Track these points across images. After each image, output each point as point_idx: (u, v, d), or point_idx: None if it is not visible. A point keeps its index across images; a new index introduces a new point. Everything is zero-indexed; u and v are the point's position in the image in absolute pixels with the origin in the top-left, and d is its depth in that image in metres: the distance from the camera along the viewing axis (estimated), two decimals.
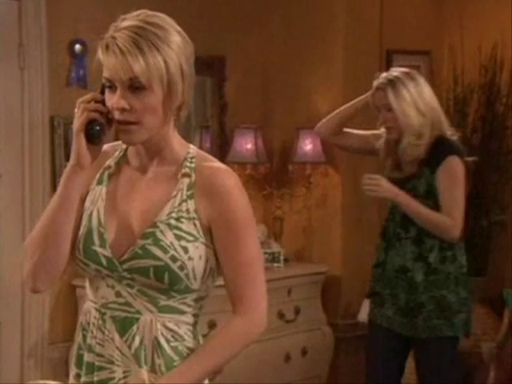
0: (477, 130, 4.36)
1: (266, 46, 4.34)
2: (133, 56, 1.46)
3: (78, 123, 1.51)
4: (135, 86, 1.47)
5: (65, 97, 3.54)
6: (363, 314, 4.18)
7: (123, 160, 1.60)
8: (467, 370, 4.19)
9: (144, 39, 1.47)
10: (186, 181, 1.55)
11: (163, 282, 1.50)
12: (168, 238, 1.51)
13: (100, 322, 1.55)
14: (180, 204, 1.53)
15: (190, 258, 1.51)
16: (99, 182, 1.59)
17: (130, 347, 1.53)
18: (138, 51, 1.46)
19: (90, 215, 1.56)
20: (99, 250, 1.54)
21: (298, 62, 4.35)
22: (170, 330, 1.54)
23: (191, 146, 1.60)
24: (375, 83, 2.87)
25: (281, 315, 3.96)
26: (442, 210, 2.76)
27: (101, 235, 1.54)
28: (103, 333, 1.54)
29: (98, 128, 1.50)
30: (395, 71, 2.86)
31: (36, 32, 3.52)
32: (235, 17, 4.24)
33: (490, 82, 4.32)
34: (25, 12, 3.51)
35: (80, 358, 1.58)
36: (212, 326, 3.65)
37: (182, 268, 1.50)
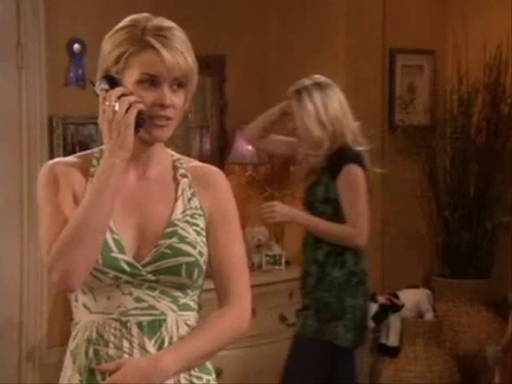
0: (481, 130, 4.36)
1: (267, 45, 4.34)
2: (184, 55, 1.55)
3: (127, 116, 1.51)
4: (178, 84, 1.55)
5: (63, 96, 3.54)
6: None
7: None
8: (472, 374, 4.20)
9: (183, 40, 1.57)
10: (186, 180, 1.62)
11: (192, 278, 1.56)
12: (191, 234, 1.57)
13: (124, 330, 1.54)
14: (189, 201, 1.60)
15: (207, 253, 1.59)
16: None
17: (159, 349, 1.54)
18: (187, 51, 1.56)
19: None
20: (120, 256, 1.54)
21: (299, 62, 4.35)
22: (190, 327, 1.59)
23: (169, 149, 1.67)
24: (288, 90, 2.99)
25: (282, 319, 3.96)
26: (346, 220, 2.85)
27: (117, 242, 1.55)
28: (130, 341, 1.54)
29: (145, 118, 1.54)
30: (308, 79, 2.97)
31: (34, 31, 3.52)
32: (235, 15, 4.24)
33: (494, 82, 4.32)
34: (23, 11, 3.51)
35: (92, 373, 1.55)
36: None
37: (205, 262, 1.59)
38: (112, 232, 1.55)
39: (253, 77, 4.34)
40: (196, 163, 1.66)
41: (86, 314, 1.58)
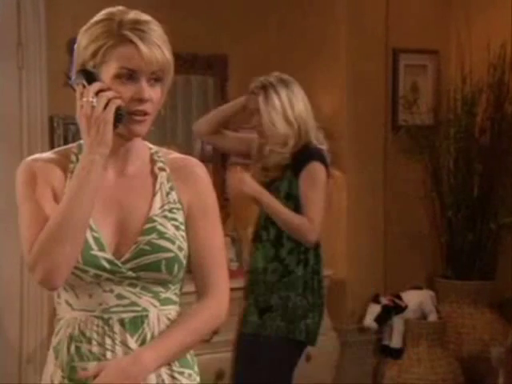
0: (485, 130, 4.36)
1: (269, 45, 4.34)
2: (161, 49, 1.55)
3: (105, 112, 1.51)
4: (156, 78, 1.56)
5: (64, 96, 3.54)
6: (369, 319, 4.18)
7: None
8: (476, 376, 4.19)
9: (160, 34, 1.57)
10: (164, 174, 1.62)
11: (172, 273, 1.57)
12: (170, 229, 1.58)
13: (106, 328, 1.56)
14: (167, 196, 1.61)
15: (186, 247, 1.60)
16: None
17: (142, 346, 1.56)
18: (164, 45, 1.56)
19: None
20: (99, 254, 1.55)
21: (301, 61, 4.35)
22: (171, 321, 1.60)
23: (147, 142, 1.67)
24: (250, 86, 2.98)
25: None
26: (302, 214, 2.84)
27: (97, 240, 1.56)
28: (112, 339, 1.56)
29: (123, 114, 1.54)
30: (272, 76, 2.98)
31: (35, 31, 3.53)
32: (238, 15, 4.24)
33: (498, 82, 4.31)
34: (23, 10, 3.52)
35: (73, 370, 1.57)
36: (215, 330, 3.65)
37: (185, 257, 1.59)
38: (92, 230, 1.56)
39: (255, 77, 4.33)
40: (175, 155, 1.66)
41: (68, 311, 1.59)
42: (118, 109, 1.53)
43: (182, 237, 1.59)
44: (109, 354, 1.55)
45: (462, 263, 4.35)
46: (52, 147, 3.61)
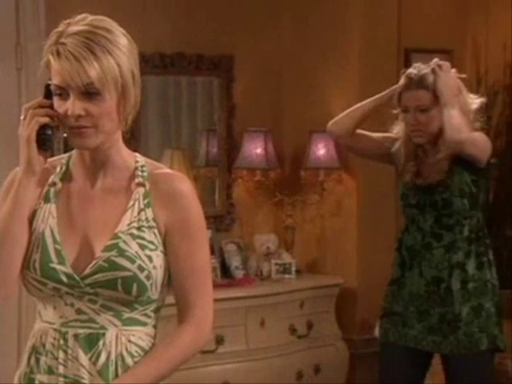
0: (501, 133, 4.35)
1: (277, 45, 4.34)
2: (88, 61, 1.50)
3: (28, 129, 1.55)
4: (90, 92, 1.52)
5: None
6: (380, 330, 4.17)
7: (67, 175, 1.64)
8: None
9: (96, 43, 1.52)
10: (141, 190, 1.60)
11: (131, 293, 1.56)
12: (132, 247, 1.56)
13: (61, 341, 1.58)
14: (139, 213, 1.59)
15: (154, 267, 1.57)
16: (46, 200, 1.62)
17: (95, 364, 1.56)
18: (92, 56, 1.51)
19: (43, 234, 1.59)
20: (58, 267, 1.57)
21: (311, 62, 4.35)
22: (134, 343, 1.59)
23: (137, 154, 1.66)
24: (404, 80, 2.79)
25: (292, 330, 3.96)
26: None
27: (58, 252, 1.57)
28: (66, 352, 1.57)
29: (50, 132, 1.55)
30: (426, 66, 2.78)
31: (34, 31, 3.54)
32: (244, 13, 4.25)
33: None
34: (23, 10, 3.53)
35: (31, 381, 1.60)
36: (220, 341, 3.65)
37: (148, 277, 1.56)
38: (55, 242, 1.58)
39: (262, 78, 4.34)
40: (161, 170, 1.63)
41: (38, 322, 1.63)
42: (43, 128, 1.54)
43: (147, 256, 1.56)
44: (60, 368, 1.57)
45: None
46: (51, 151, 3.62)
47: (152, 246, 1.58)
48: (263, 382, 3.76)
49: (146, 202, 1.59)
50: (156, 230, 1.58)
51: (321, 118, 4.21)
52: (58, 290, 1.57)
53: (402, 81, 2.82)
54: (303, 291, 4.04)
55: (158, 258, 1.58)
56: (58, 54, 1.52)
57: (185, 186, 1.61)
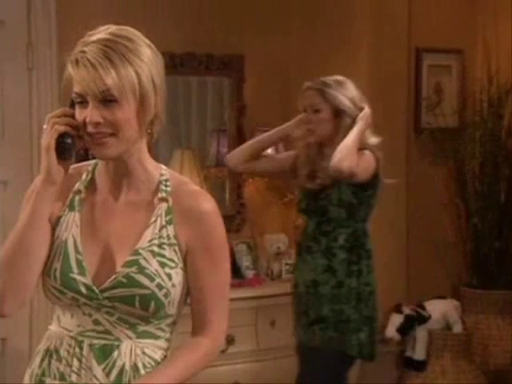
0: None
1: (287, 45, 4.35)
2: (104, 69, 1.51)
3: (48, 138, 1.55)
4: (108, 99, 1.53)
5: None
6: (391, 330, 4.17)
7: (92, 184, 1.64)
8: None
9: (114, 51, 1.53)
10: (164, 206, 1.60)
11: (148, 310, 1.57)
12: (153, 265, 1.57)
13: (77, 349, 1.59)
14: (160, 230, 1.59)
15: (173, 285, 1.58)
16: (71, 208, 1.62)
17: (108, 375, 1.58)
18: (110, 64, 1.52)
19: (65, 242, 1.59)
20: (78, 277, 1.58)
21: (321, 61, 4.35)
22: (148, 355, 1.60)
23: (163, 166, 1.66)
24: (307, 84, 2.95)
25: None
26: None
27: (79, 263, 1.58)
28: (80, 361, 1.58)
29: (69, 141, 1.56)
30: (326, 78, 2.98)
31: (45, 31, 3.55)
32: (254, 13, 4.25)
33: None
34: (34, 10, 3.55)
35: (42, 383, 1.61)
36: (231, 341, 3.66)
37: (166, 295, 1.57)
38: (77, 252, 1.59)
39: (273, 77, 4.35)
40: (187, 186, 1.63)
41: (56, 326, 1.64)
42: (63, 136, 1.55)
43: (167, 275, 1.57)
44: (73, 377, 1.58)
45: (488, 272, 4.33)
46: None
47: (172, 264, 1.58)
48: (273, 383, 3.76)
49: (168, 218, 1.59)
50: (177, 248, 1.59)
51: None
52: (77, 300, 1.58)
53: (306, 84, 2.97)
54: None
55: (178, 276, 1.58)
56: (77, 62, 1.53)
57: (209, 205, 1.60)
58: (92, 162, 1.67)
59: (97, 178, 1.64)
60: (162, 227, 1.59)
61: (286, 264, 4.09)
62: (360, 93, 2.95)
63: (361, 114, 2.86)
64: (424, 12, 4.35)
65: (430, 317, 4.17)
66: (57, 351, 1.60)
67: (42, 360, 1.62)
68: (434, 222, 4.43)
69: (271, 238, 4.17)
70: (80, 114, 1.55)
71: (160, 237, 1.58)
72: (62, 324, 1.62)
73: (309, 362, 2.90)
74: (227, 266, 1.63)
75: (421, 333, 4.18)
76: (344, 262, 2.86)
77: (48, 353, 1.62)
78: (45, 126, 1.57)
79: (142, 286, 1.55)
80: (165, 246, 1.58)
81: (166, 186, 1.61)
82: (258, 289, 3.90)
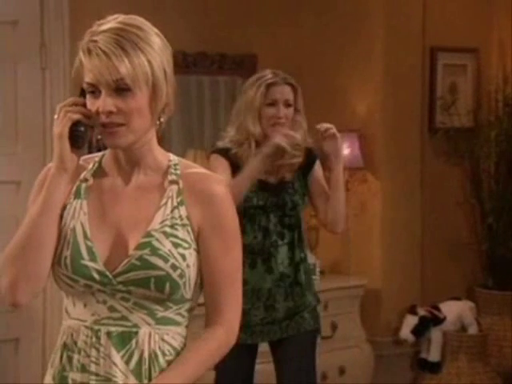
0: None
1: (300, 44, 4.35)
2: (118, 57, 1.52)
3: (60, 126, 1.56)
4: (121, 88, 1.53)
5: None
6: (406, 331, 4.16)
7: (99, 172, 1.65)
8: None
9: (127, 40, 1.54)
10: (175, 188, 1.61)
11: (163, 292, 1.56)
12: (166, 246, 1.56)
13: (94, 339, 1.58)
14: (172, 211, 1.59)
15: (187, 266, 1.58)
16: (77, 196, 1.62)
17: (127, 363, 1.57)
18: (123, 52, 1.52)
19: (74, 230, 1.60)
20: (90, 264, 1.57)
21: (334, 61, 4.35)
22: (167, 343, 1.59)
23: (171, 154, 1.66)
24: (273, 78, 2.95)
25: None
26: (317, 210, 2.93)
27: (89, 249, 1.58)
28: (98, 350, 1.57)
29: (82, 130, 1.57)
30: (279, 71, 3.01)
31: (58, 30, 3.57)
32: (267, 12, 4.25)
33: None
34: (47, 10, 3.56)
35: (64, 379, 1.61)
36: None
37: (181, 276, 1.57)
38: (86, 238, 1.58)
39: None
40: (195, 169, 1.64)
41: (66, 319, 1.63)
42: (76, 125, 1.56)
43: (181, 255, 1.57)
44: (92, 367, 1.58)
45: (503, 273, 4.32)
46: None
47: (185, 244, 1.58)
48: None
49: (179, 199, 1.60)
50: (189, 228, 1.59)
51: (344, 117, 4.22)
52: (90, 287, 1.57)
53: (271, 77, 2.96)
54: (327, 292, 4.03)
55: (191, 257, 1.58)
56: (89, 51, 1.54)
57: (220, 187, 1.61)
58: (99, 153, 1.68)
59: (104, 167, 1.65)
60: (173, 208, 1.59)
61: None
62: None
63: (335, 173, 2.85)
64: (439, 11, 4.34)
65: (444, 318, 4.16)
66: (75, 343, 1.59)
67: (61, 356, 1.61)
68: (448, 222, 4.41)
69: None
70: (92, 103, 1.56)
71: (172, 217, 1.58)
72: (72, 316, 1.61)
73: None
74: (238, 250, 1.63)
75: (435, 334, 4.17)
76: (304, 249, 2.96)
77: (66, 347, 1.61)
78: (56, 116, 1.58)
79: (156, 268, 1.54)
80: (177, 227, 1.58)
81: (175, 169, 1.62)
82: None
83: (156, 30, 1.60)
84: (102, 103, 1.53)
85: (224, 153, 2.87)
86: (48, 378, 1.64)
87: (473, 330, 4.17)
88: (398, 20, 4.25)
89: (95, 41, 1.54)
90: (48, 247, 1.58)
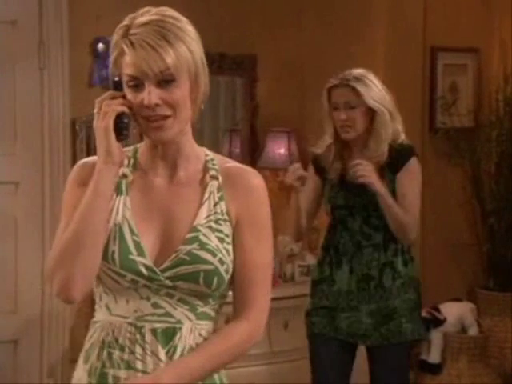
0: None
1: (301, 44, 4.34)
2: (163, 48, 1.53)
3: (106, 119, 1.55)
4: (165, 80, 1.54)
5: (87, 98, 3.56)
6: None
7: (137, 167, 1.65)
8: None
9: (168, 30, 1.55)
10: (215, 183, 1.62)
11: (211, 287, 1.57)
12: (213, 241, 1.58)
13: (138, 336, 1.57)
14: (215, 206, 1.61)
15: (231, 261, 1.60)
16: (119, 192, 1.62)
17: (171, 358, 1.57)
18: (167, 43, 1.53)
19: (120, 225, 1.59)
20: (138, 259, 1.57)
21: (335, 60, 4.34)
22: (202, 337, 1.61)
23: (205, 148, 1.68)
24: (333, 80, 2.95)
25: None
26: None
27: (137, 244, 1.58)
28: (143, 348, 1.57)
29: (126, 121, 1.56)
30: (350, 72, 2.96)
31: (57, 30, 3.56)
32: (267, 12, 4.24)
33: None
34: (45, 9, 3.55)
35: (104, 376, 1.59)
36: None
37: (227, 271, 1.59)
38: (133, 234, 1.58)
39: (286, 77, 4.34)
40: (232, 164, 1.66)
41: (106, 315, 1.62)
42: (119, 117, 1.55)
43: (226, 250, 1.59)
44: (138, 364, 1.57)
45: (504, 274, 4.31)
46: (74, 151, 3.64)
47: (228, 240, 1.59)
48: None
49: (219, 195, 1.61)
50: (229, 224, 1.60)
51: None
52: (136, 282, 1.57)
53: (332, 81, 2.96)
54: None
55: (232, 251, 1.60)
56: (132, 44, 1.53)
57: (257, 180, 1.63)
58: (130, 147, 1.67)
59: (141, 161, 1.64)
60: (215, 203, 1.60)
61: (299, 266, 4.07)
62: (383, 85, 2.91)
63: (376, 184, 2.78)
64: (439, 10, 4.33)
65: (445, 320, 4.15)
66: (116, 340, 1.58)
67: (100, 352, 1.60)
68: (449, 222, 4.41)
69: (284, 240, 4.15)
70: (134, 97, 1.55)
71: (215, 213, 1.60)
72: (114, 312, 1.60)
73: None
74: (270, 245, 1.63)
75: (436, 336, 4.16)
76: (399, 252, 2.88)
77: (106, 344, 1.59)
78: (95, 110, 1.57)
79: (205, 262, 1.56)
80: (221, 222, 1.59)
81: (213, 164, 1.63)
82: (271, 291, 3.88)
83: (186, 20, 1.62)
84: (147, 96, 1.53)
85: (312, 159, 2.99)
86: (81, 374, 1.62)
87: (473, 331, 4.16)
88: (399, 20, 4.24)
89: (136, 34, 1.53)
90: (101, 243, 1.56)
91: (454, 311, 4.17)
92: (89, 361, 1.62)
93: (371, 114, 2.86)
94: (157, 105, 1.53)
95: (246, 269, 1.60)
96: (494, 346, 4.21)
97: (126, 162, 1.64)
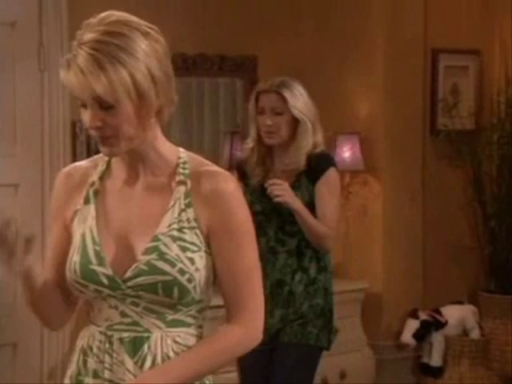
0: None
1: (301, 46, 4.33)
2: (94, 75, 1.48)
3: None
4: (103, 106, 1.51)
5: None
6: (407, 335, 4.14)
7: (107, 174, 1.63)
8: None
9: (105, 55, 1.49)
10: (182, 189, 1.57)
11: (172, 296, 1.54)
12: (173, 250, 1.54)
13: (107, 345, 1.57)
14: (180, 214, 1.56)
15: (196, 270, 1.55)
16: (86, 201, 1.62)
17: (141, 368, 1.55)
18: (100, 70, 1.48)
19: (83, 235, 1.59)
20: (98, 268, 1.56)
21: (336, 62, 4.34)
22: (181, 344, 1.57)
23: (181, 149, 1.62)
24: (263, 85, 2.96)
25: None
26: (320, 221, 2.88)
27: (97, 253, 1.57)
28: (111, 356, 1.56)
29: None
30: (278, 79, 2.97)
31: (57, 31, 3.55)
32: (267, 14, 4.24)
33: None
34: (45, 10, 3.55)
35: (80, 383, 1.60)
36: None
37: (190, 280, 1.54)
38: (94, 243, 1.57)
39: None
40: (204, 168, 1.58)
41: (86, 323, 1.64)
42: None
43: (189, 259, 1.53)
44: (106, 373, 1.56)
45: (506, 276, 4.30)
46: (74, 154, 3.64)
47: (194, 248, 1.55)
48: None
49: (186, 201, 1.56)
50: (198, 231, 1.55)
51: (346, 120, 4.21)
52: (100, 292, 1.56)
53: (261, 85, 2.99)
54: None
55: (202, 260, 1.55)
56: (69, 66, 1.51)
57: (228, 185, 1.56)
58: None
59: (113, 167, 1.62)
60: (181, 211, 1.56)
61: None
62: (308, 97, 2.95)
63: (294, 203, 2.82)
64: (440, 12, 4.33)
65: (446, 322, 4.14)
66: (90, 349, 1.59)
67: (78, 359, 1.61)
68: (450, 225, 4.40)
69: None
70: (84, 116, 1.54)
71: (180, 221, 1.55)
72: (92, 320, 1.61)
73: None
74: (252, 248, 1.58)
75: (437, 338, 4.15)
76: (313, 259, 2.92)
77: (82, 351, 1.60)
78: None
79: (163, 273, 1.52)
80: (185, 230, 1.55)
81: (183, 168, 1.58)
82: None
83: (144, 29, 1.54)
84: (88, 119, 1.52)
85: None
86: (66, 379, 1.65)
87: (475, 334, 4.15)
88: (400, 22, 4.24)
89: (75, 55, 1.50)
90: (56, 298, 1.66)
91: (456, 314, 4.17)
92: (71, 366, 1.64)
93: (295, 122, 2.89)
94: (98, 127, 1.52)
95: (229, 275, 1.56)
96: (495, 348, 4.20)
97: (98, 167, 1.63)
